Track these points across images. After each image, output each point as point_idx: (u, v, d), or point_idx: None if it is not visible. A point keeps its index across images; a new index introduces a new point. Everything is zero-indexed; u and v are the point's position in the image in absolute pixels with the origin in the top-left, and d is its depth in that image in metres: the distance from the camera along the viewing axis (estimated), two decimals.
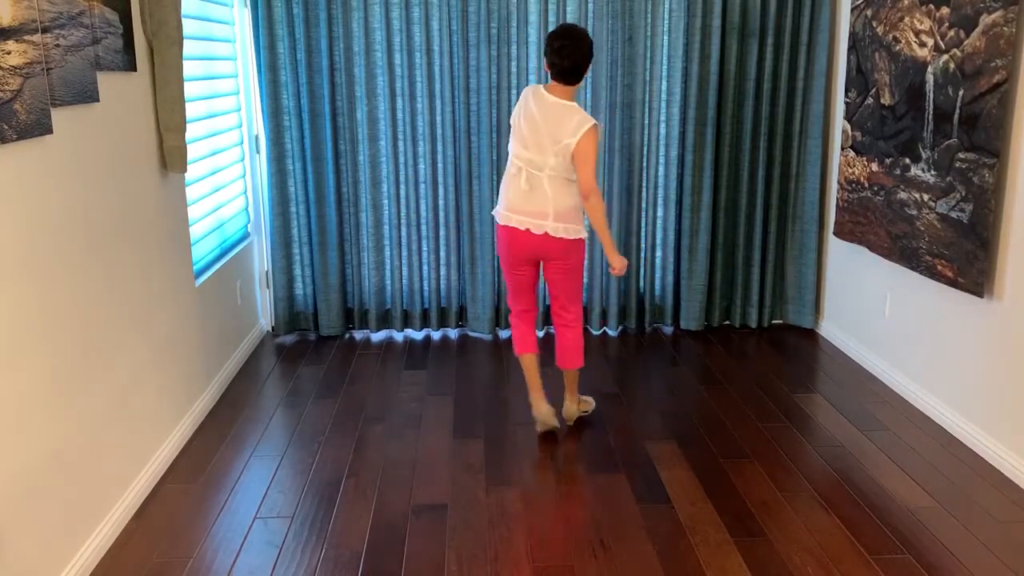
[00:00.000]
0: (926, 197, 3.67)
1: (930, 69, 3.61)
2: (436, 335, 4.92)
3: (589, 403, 3.82)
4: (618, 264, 3.42)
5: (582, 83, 3.30)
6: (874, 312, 4.27)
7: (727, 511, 3.00)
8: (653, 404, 3.92)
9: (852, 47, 4.29)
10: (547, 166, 3.32)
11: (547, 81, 3.77)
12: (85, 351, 2.71)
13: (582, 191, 3.31)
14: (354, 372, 4.35)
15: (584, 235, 3.43)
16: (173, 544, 2.82)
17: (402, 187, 4.74)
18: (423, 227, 4.81)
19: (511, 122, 3.43)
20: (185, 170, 3.44)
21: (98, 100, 2.76)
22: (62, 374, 2.56)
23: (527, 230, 3.39)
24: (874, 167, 4.10)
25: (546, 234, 3.37)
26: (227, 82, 4.41)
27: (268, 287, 4.90)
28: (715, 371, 4.34)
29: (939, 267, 3.59)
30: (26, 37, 2.28)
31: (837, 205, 4.50)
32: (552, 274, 3.49)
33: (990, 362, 3.37)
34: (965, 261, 3.41)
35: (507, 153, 4.68)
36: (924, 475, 3.25)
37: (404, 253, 4.82)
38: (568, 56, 3.24)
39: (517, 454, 3.44)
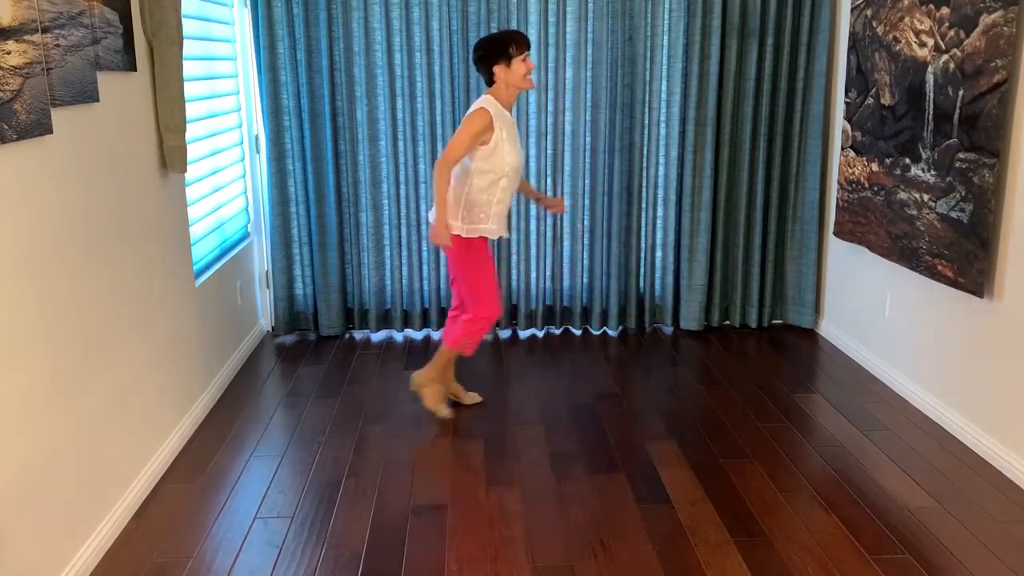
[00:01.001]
0: (926, 197, 3.67)
1: (930, 69, 3.61)
2: (436, 335, 4.91)
3: (435, 403, 3.77)
4: (436, 236, 3.47)
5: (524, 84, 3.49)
6: (874, 312, 4.27)
7: (727, 511, 3.00)
8: (653, 404, 3.92)
9: (852, 47, 4.29)
10: None
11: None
12: (85, 351, 2.71)
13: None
14: (354, 372, 4.35)
15: (456, 231, 3.49)
16: (173, 544, 2.82)
17: (402, 187, 4.74)
18: (423, 227, 4.81)
19: None
20: (185, 170, 3.44)
21: (98, 100, 2.76)
22: (62, 374, 2.56)
23: None
24: (874, 167, 4.10)
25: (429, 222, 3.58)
26: (227, 82, 4.41)
27: (268, 287, 4.90)
28: (715, 371, 4.34)
29: (939, 267, 3.59)
30: (26, 37, 2.28)
31: (837, 205, 4.50)
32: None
33: (990, 362, 3.37)
34: (965, 261, 3.41)
35: None
36: (924, 475, 3.25)
37: (404, 253, 4.82)
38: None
39: (517, 454, 3.44)
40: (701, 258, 4.81)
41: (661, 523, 2.92)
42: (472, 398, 3.92)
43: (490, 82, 3.51)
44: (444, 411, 3.75)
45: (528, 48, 3.47)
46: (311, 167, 4.64)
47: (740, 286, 4.92)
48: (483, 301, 3.58)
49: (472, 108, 3.46)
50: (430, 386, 3.74)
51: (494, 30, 4.54)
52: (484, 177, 3.47)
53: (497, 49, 3.44)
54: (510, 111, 3.58)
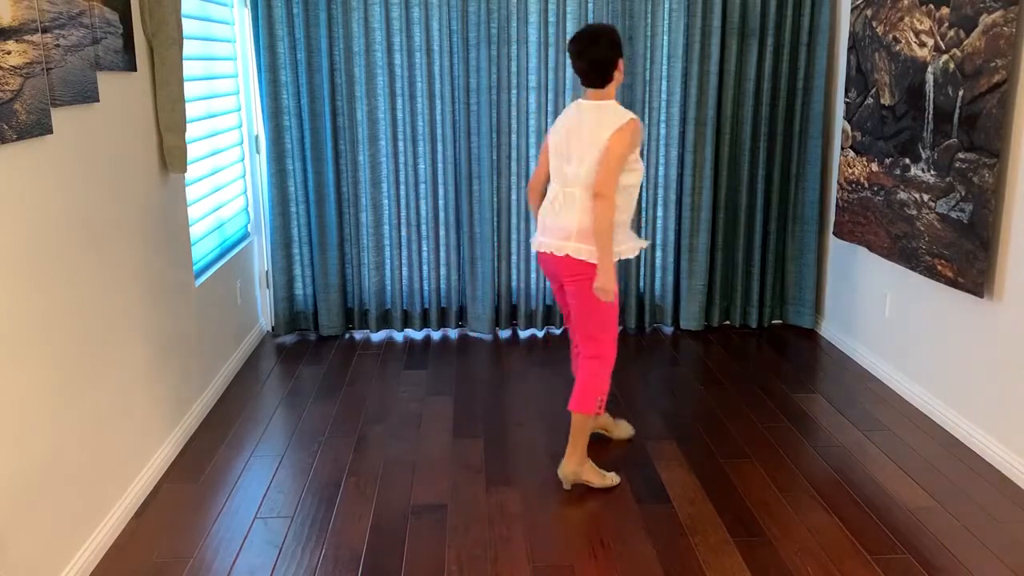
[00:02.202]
0: (926, 197, 3.67)
1: (930, 69, 3.61)
2: (436, 335, 4.92)
3: (600, 477, 3.19)
4: (604, 286, 2.95)
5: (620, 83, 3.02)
6: (874, 312, 4.27)
7: (727, 511, 3.00)
8: (653, 404, 3.92)
9: (852, 47, 4.29)
10: (580, 177, 2.99)
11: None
12: (85, 351, 2.71)
13: (594, 190, 2.91)
14: (354, 372, 4.35)
15: (591, 258, 3.00)
16: (173, 544, 2.82)
17: (402, 187, 4.74)
18: (423, 227, 4.81)
19: (547, 141, 3.16)
20: (185, 170, 3.45)
21: (98, 100, 2.76)
22: (62, 374, 2.56)
23: (550, 252, 3.08)
24: (874, 167, 4.10)
25: (567, 256, 3.02)
26: (227, 82, 4.41)
27: (268, 287, 4.90)
28: (715, 371, 4.34)
29: (939, 267, 3.59)
30: (26, 37, 2.28)
31: (837, 205, 4.50)
32: (569, 299, 3.14)
33: (990, 362, 3.37)
34: (965, 261, 3.41)
35: (508, 153, 4.68)
36: (924, 475, 3.25)
37: (404, 253, 4.82)
38: (581, 57, 2.95)
39: (517, 454, 3.44)
40: (701, 258, 4.81)
41: (661, 523, 2.92)
42: (624, 430, 3.53)
43: (605, 81, 2.98)
44: (613, 479, 3.20)
45: None
46: (311, 167, 4.64)
47: (740, 286, 4.92)
48: (613, 331, 3.13)
49: (609, 118, 2.95)
50: (583, 467, 3.16)
51: (494, 30, 4.54)
52: (623, 193, 2.99)
53: (619, 41, 2.96)
54: None
